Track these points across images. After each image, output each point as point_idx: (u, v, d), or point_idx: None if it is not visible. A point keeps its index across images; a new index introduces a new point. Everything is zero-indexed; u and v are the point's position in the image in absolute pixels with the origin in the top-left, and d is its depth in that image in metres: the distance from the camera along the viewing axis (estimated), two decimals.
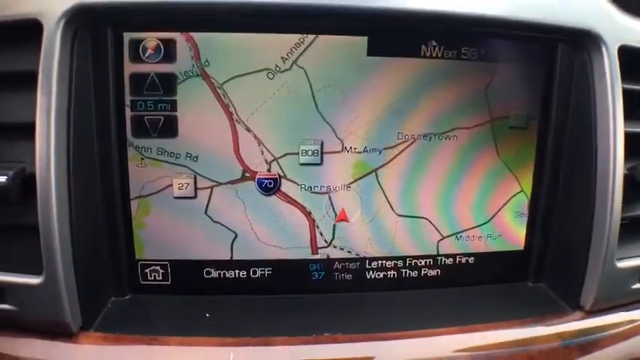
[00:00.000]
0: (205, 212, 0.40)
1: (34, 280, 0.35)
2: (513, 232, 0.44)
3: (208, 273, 0.42)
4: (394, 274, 0.43)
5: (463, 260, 0.44)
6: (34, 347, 0.37)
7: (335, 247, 0.42)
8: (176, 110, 0.38)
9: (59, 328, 0.36)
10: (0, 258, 0.36)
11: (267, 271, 0.42)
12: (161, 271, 0.41)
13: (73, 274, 0.36)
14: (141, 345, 0.37)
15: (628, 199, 0.40)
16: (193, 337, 0.37)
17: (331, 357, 0.37)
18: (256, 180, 0.40)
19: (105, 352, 0.37)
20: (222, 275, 0.42)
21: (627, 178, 0.40)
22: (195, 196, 0.40)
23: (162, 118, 0.38)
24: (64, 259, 0.35)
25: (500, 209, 0.43)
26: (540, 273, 0.45)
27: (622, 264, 0.40)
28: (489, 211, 0.43)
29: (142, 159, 0.39)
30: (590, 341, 0.41)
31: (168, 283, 0.42)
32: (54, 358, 0.37)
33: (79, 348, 0.37)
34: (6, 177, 0.34)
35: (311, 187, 0.41)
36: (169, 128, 0.39)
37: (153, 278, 0.41)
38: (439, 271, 0.44)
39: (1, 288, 0.35)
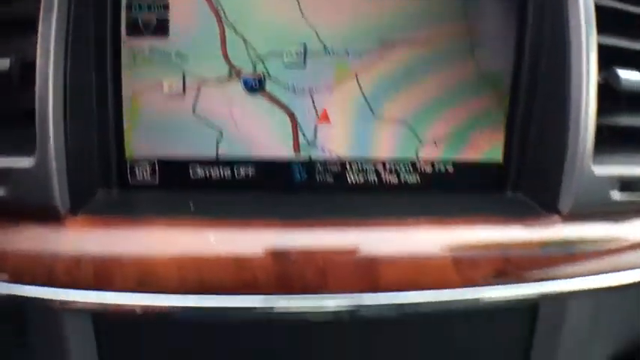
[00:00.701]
0: (193, 111, 0.42)
1: (25, 162, 0.37)
2: (491, 143, 0.45)
3: (195, 173, 0.43)
4: (375, 179, 0.44)
5: (442, 168, 0.45)
6: (20, 234, 0.38)
7: (317, 147, 0.43)
8: (168, 11, 0.41)
9: (47, 211, 0.37)
10: None
11: (251, 170, 0.43)
12: (149, 169, 0.43)
13: (64, 159, 0.37)
14: (127, 227, 0.38)
15: (604, 109, 0.41)
16: (178, 219, 0.39)
17: (312, 242, 0.38)
18: (242, 79, 0.42)
19: (92, 235, 0.38)
20: (207, 174, 0.43)
21: (602, 88, 0.41)
22: (183, 94, 0.42)
23: (156, 19, 0.41)
24: (56, 142, 0.36)
25: (478, 120, 0.44)
26: (519, 184, 0.45)
27: (599, 170, 0.41)
28: (467, 121, 0.44)
29: (135, 57, 0.41)
30: (572, 251, 0.42)
31: (156, 183, 0.43)
32: (41, 244, 0.38)
33: (67, 232, 0.38)
34: (8, 60, 0.37)
35: (295, 89, 0.42)
36: (162, 29, 0.41)
37: (141, 177, 0.43)
38: (419, 176, 0.45)
39: None
